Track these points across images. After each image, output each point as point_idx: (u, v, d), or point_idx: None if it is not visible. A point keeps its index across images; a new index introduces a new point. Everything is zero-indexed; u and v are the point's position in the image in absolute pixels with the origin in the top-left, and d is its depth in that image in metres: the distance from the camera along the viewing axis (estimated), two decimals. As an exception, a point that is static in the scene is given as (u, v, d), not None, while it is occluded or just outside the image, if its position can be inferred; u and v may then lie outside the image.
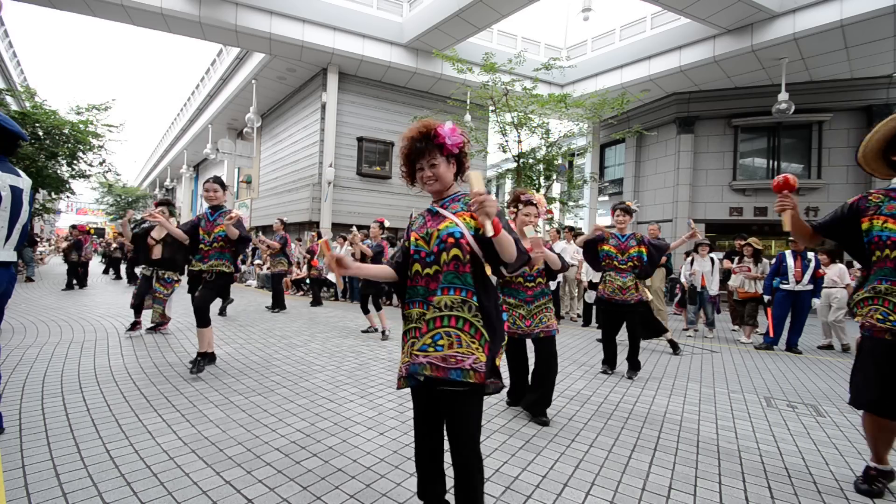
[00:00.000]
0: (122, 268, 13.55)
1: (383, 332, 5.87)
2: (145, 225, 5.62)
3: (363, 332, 6.16)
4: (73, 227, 11.24)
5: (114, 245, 13.88)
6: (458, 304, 1.53)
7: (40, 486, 2.01)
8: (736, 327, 7.13)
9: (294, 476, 2.20)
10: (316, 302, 8.91)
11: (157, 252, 5.34)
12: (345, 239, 9.67)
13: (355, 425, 2.88)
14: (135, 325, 5.42)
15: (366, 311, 6.09)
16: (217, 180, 3.98)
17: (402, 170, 1.71)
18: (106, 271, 14.00)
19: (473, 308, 1.54)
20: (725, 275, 7.52)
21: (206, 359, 3.91)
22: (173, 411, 2.98)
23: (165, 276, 5.43)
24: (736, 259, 7.27)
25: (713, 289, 7.07)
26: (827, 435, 3.11)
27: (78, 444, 2.44)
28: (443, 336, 1.52)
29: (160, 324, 5.54)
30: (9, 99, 18.05)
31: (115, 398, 3.18)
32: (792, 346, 6.24)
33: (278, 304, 7.83)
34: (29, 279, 11.60)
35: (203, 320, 3.82)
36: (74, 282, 10.42)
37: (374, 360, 4.60)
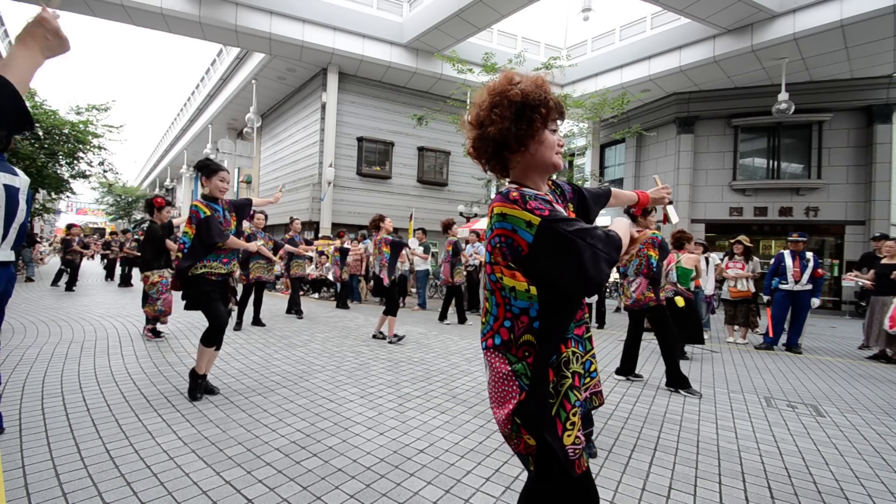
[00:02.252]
0: (115, 269, 13.46)
1: (396, 337, 5.61)
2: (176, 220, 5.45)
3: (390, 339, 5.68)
4: (71, 226, 11.12)
5: (113, 244, 13.72)
6: None
7: (40, 486, 2.01)
8: (736, 328, 7.12)
9: (294, 476, 2.20)
10: (342, 304, 8.73)
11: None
12: (354, 239, 9.70)
13: (355, 425, 2.88)
14: (158, 333, 5.26)
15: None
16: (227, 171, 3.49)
17: (520, 126, 1.13)
18: (108, 276, 13.82)
19: None
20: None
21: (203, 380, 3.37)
22: (173, 411, 2.97)
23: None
24: (726, 257, 7.22)
25: (708, 289, 7.06)
26: (827, 435, 3.11)
27: (78, 444, 2.44)
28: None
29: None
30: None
31: (115, 398, 3.18)
32: (792, 346, 6.24)
33: (296, 308, 7.59)
34: (29, 279, 11.60)
35: (221, 339, 3.31)
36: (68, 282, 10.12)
37: (374, 360, 4.60)
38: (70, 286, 10.07)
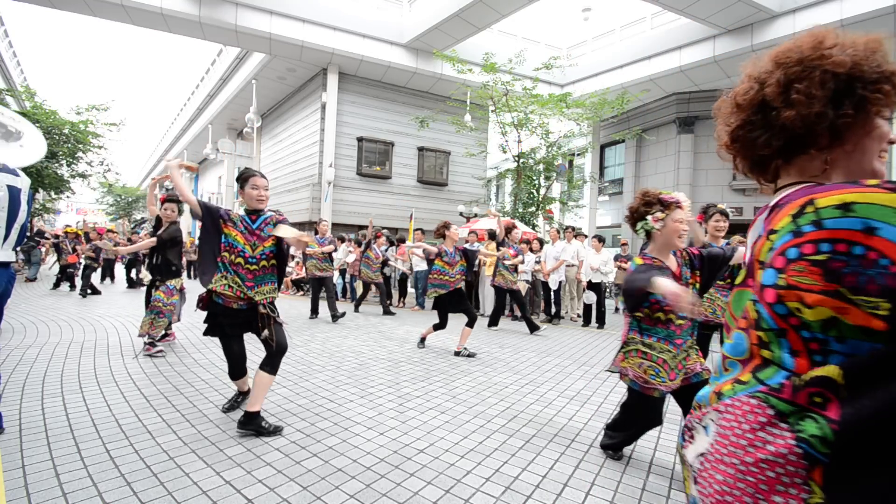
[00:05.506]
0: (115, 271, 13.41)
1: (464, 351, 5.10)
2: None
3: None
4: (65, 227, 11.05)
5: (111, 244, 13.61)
6: None
7: (40, 486, 2.01)
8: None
9: (294, 476, 2.20)
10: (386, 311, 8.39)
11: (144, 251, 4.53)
12: (354, 242, 9.68)
13: (355, 425, 2.88)
14: (150, 345, 4.45)
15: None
16: (263, 176, 2.89)
17: (843, 109, 0.72)
18: (103, 277, 13.73)
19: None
20: None
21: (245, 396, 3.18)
22: (173, 411, 2.98)
23: (169, 283, 4.48)
24: None
25: None
26: (827, 435, 3.10)
27: (78, 444, 2.44)
28: None
29: (164, 335, 4.80)
30: (9, 99, 18.08)
31: (115, 398, 3.18)
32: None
33: (333, 311, 7.23)
34: (29, 280, 11.59)
35: (241, 370, 3.00)
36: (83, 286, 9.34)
37: (374, 360, 4.60)
38: (91, 290, 9.33)
